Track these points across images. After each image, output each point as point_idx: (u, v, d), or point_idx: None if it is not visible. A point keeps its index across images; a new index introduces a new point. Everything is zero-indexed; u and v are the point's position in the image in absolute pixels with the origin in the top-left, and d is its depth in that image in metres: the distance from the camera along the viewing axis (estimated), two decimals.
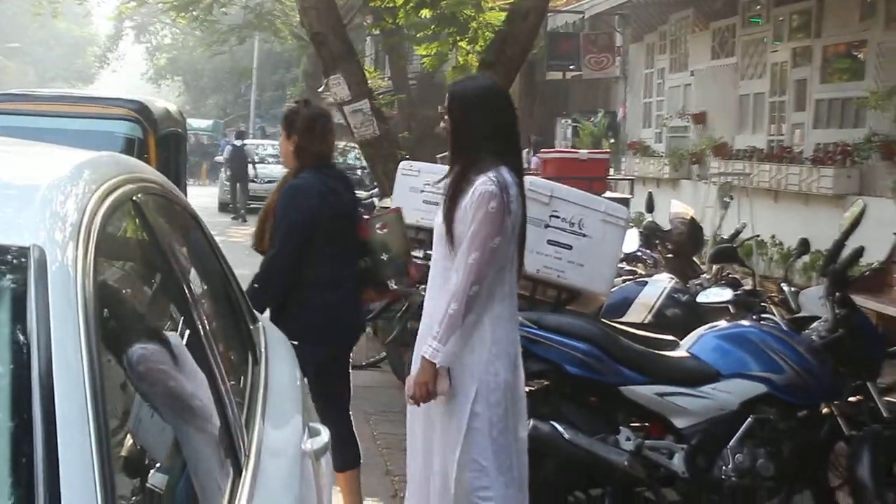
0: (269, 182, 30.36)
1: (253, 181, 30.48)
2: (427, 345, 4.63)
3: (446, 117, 4.97)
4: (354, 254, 6.27)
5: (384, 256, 6.38)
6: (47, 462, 1.52)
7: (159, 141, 9.93)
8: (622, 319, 7.05)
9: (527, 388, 5.46)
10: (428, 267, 8.93)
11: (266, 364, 3.50)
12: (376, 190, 14.24)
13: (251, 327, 3.72)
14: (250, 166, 31.15)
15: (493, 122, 4.93)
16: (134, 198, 2.39)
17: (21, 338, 1.67)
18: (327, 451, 3.42)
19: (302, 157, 6.17)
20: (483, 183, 4.63)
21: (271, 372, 3.45)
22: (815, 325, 6.42)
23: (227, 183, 30.86)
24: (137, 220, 2.42)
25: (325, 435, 3.39)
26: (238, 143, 31.27)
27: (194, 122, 32.72)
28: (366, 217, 6.80)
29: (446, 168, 6.44)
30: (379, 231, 6.43)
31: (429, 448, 4.96)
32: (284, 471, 2.77)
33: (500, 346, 4.82)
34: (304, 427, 3.35)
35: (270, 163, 32.83)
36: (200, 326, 2.49)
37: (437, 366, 4.61)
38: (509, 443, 4.87)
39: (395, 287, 6.75)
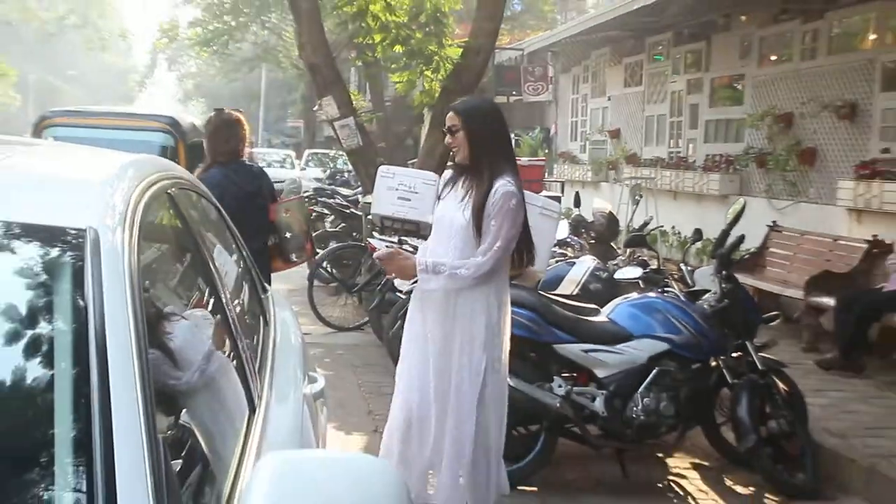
0: (275, 182, 30.25)
1: None
2: (428, 264, 4.65)
3: (457, 131, 4.78)
4: (259, 232, 6.39)
5: (288, 235, 6.72)
6: (101, 400, 1.51)
7: (187, 148, 9.89)
8: (555, 292, 7.05)
9: None
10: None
11: (274, 325, 3.46)
12: (360, 189, 14.18)
13: (262, 296, 3.69)
14: None
15: (505, 133, 4.97)
16: (168, 191, 2.37)
17: (80, 302, 1.65)
18: (323, 394, 3.39)
19: (211, 155, 6.59)
20: (503, 185, 4.59)
21: (278, 332, 3.42)
22: (706, 296, 6.47)
23: None
24: (171, 209, 2.39)
25: (321, 382, 3.36)
26: None
27: None
28: (274, 203, 6.97)
29: (416, 171, 6.45)
30: (284, 214, 6.79)
31: (413, 385, 4.87)
32: (290, 410, 2.74)
33: (502, 323, 4.84)
34: (305, 376, 3.32)
35: (275, 167, 32.49)
36: (223, 294, 2.46)
37: (417, 273, 4.65)
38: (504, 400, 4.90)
39: (295, 259, 6.98)
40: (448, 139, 4.79)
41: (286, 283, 12.43)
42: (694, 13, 14.75)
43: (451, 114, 4.85)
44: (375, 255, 4.77)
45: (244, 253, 3.58)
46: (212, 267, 2.47)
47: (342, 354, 9.42)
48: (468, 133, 4.74)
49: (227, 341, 2.38)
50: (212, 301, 2.44)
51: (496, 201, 4.55)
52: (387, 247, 4.72)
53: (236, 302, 2.72)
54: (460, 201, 4.77)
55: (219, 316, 2.41)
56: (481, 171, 4.70)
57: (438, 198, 5.14)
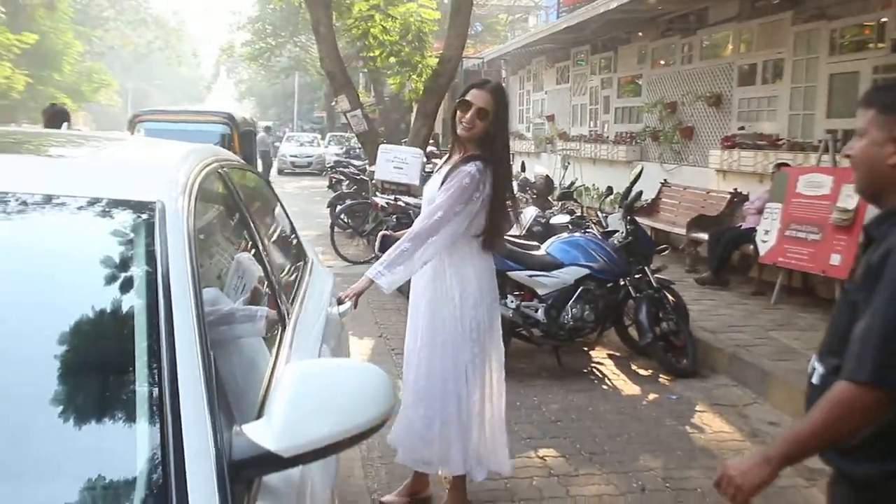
0: (305, 157, 30.00)
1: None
2: (375, 267, 3.39)
3: (485, 114, 3.43)
4: None
5: None
6: (167, 322, 1.50)
7: (241, 136, 9.84)
8: (508, 234, 7.02)
9: None
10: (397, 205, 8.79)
11: (310, 275, 3.32)
12: (367, 161, 14.09)
13: (305, 255, 3.57)
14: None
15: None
16: (219, 170, 2.31)
17: (155, 252, 1.64)
18: (348, 313, 3.29)
19: None
20: (472, 165, 3.42)
21: (313, 280, 3.28)
22: (615, 235, 6.44)
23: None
24: (222, 183, 2.33)
25: (348, 305, 3.28)
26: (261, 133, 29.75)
27: (260, 123, 32.24)
28: None
29: (406, 148, 6.12)
30: None
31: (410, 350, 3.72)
32: (314, 325, 2.69)
33: (482, 293, 3.61)
34: (332, 302, 3.27)
35: (305, 145, 32.19)
36: (261, 242, 2.41)
37: (372, 282, 3.37)
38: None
39: None
40: (469, 115, 3.42)
41: (315, 230, 12.40)
42: (605, 31, 14.62)
43: (481, 92, 3.45)
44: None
45: (288, 219, 3.49)
46: (253, 224, 2.41)
47: (355, 280, 9.35)
48: (495, 114, 3.45)
49: (265, 280, 2.33)
50: (252, 246, 2.39)
51: (455, 174, 3.42)
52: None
53: (275, 248, 2.65)
54: (436, 179, 3.62)
55: (258, 257, 2.36)
56: (479, 148, 3.47)
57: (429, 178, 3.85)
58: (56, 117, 8.38)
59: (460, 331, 3.56)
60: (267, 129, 32.39)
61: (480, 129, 3.46)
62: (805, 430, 1.82)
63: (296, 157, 30.53)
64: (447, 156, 3.75)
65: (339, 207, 11.82)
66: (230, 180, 2.39)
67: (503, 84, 22.22)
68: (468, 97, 3.47)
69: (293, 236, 3.60)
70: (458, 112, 3.49)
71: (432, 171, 3.98)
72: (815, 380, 1.99)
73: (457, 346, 3.56)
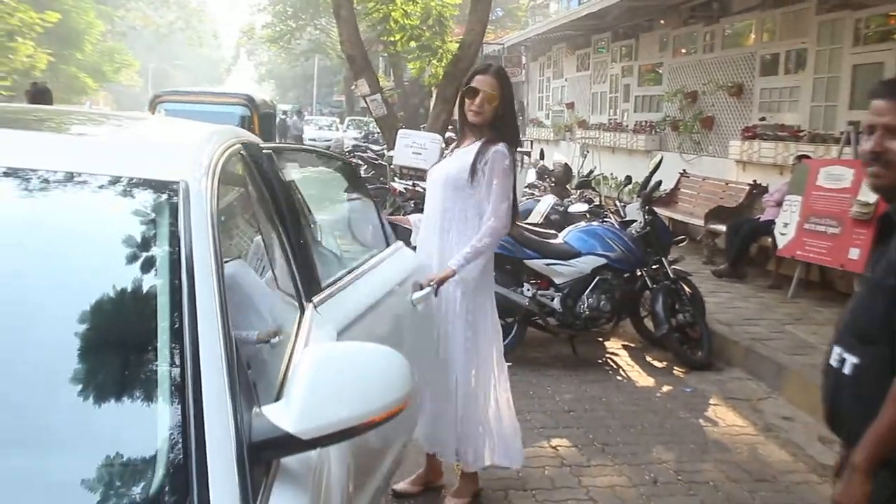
0: (324, 140, 29.99)
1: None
2: (458, 259, 3.46)
3: (493, 97, 3.52)
4: None
5: None
6: (190, 303, 1.50)
7: (260, 118, 9.85)
8: (526, 222, 7.01)
9: None
10: (415, 192, 8.78)
11: (374, 258, 3.14)
12: (385, 146, 14.07)
13: (388, 237, 3.46)
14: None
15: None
16: (241, 152, 2.30)
17: (179, 233, 1.63)
18: (426, 300, 3.27)
19: None
20: (500, 148, 3.48)
21: (375, 263, 3.09)
22: (633, 224, 6.42)
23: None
24: (243, 164, 2.32)
25: (427, 291, 3.29)
26: (283, 116, 29.50)
27: (281, 107, 32.25)
28: None
29: (425, 133, 6.03)
30: None
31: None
32: (353, 308, 2.59)
33: (482, 275, 3.69)
34: (414, 287, 3.27)
35: (324, 129, 32.29)
36: (287, 231, 2.39)
37: (457, 274, 3.49)
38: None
39: None
40: (477, 102, 3.51)
41: (332, 215, 12.41)
42: (627, 18, 14.51)
43: (486, 77, 3.54)
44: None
45: (304, 200, 3.46)
46: (273, 205, 2.40)
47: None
48: (501, 97, 3.54)
49: (281, 258, 2.32)
50: (275, 229, 2.38)
51: (491, 158, 3.47)
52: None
53: (300, 230, 2.61)
54: (451, 161, 3.65)
55: (280, 240, 2.35)
56: (493, 132, 3.55)
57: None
58: (39, 96, 8.41)
59: (457, 312, 3.59)
60: (299, 113, 32.48)
61: (490, 113, 3.56)
62: (882, 427, 1.83)
63: (314, 140, 30.55)
64: (455, 143, 3.82)
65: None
66: (253, 162, 2.38)
67: (523, 68, 22.19)
68: (474, 84, 3.56)
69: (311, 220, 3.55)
70: (467, 100, 3.58)
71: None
72: (847, 370, 1.96)
73: (452, 330, 3.59)
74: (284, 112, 29.10)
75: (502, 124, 3.57)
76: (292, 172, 2.91)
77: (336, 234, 3.60)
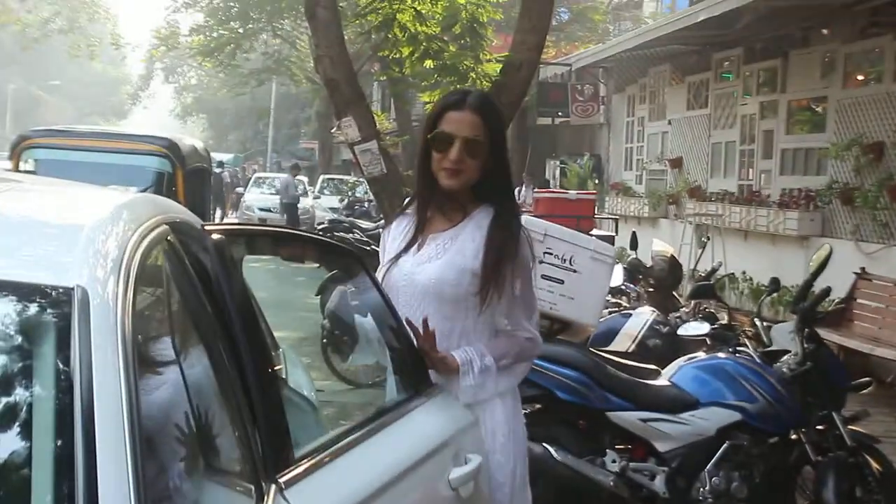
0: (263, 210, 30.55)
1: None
2: (474, 362, 3.42)
3: (476, 146, 3.51)
4: None
5: None
6: (87, 483, 1.53)
7: (186, 175, 9.94)
8: (608, 348, 7.00)
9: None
10: None
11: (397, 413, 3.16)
12: (382, 221, 14.22)
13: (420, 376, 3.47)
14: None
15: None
16: (168, 237, 2.33)
17: (71, 368, 1.65)
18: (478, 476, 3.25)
19: None
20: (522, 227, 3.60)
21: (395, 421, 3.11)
22: (785, 357, 6.37)
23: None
24: (170, 259, 2.35)
25: (474, 465, 3.23)
26: (218, 170, 31.15)
27: (217, 156, 32.61)
28: None
29: None
30: None
31: None
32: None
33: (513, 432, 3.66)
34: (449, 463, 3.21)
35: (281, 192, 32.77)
36: (232, 364, 2.39)
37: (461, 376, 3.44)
38: None
39: None
40: (453, 154, 3.47)
41: (295, 330, 12.45)
42: (768, 26, 14.71)
43: (463, 115, 3.53)
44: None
45: (255, 309, 3.47)
46: (217, 326, 2.41)
47: (359, 416, 9.31)
48: (490, 141, 3.53)
49: (226, 411, 2.32)
50: (216, 364, 2.38)
51: (508, 249, 3.49)
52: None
53: (252, 362, 2.62)
54: (435, 254, 3.58)
55: (220, 380, 2.35)
56: (479, 198, 3.61)
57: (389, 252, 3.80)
58: None
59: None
60: (220, 164, 33.03)
61: (474, 170, 3.53)
62: None
63: (268, 210, 30.97)
64: (411, 220, 3.73)
65: (334, 294, 11.86)
66: (188, 256, 2.40)
67: (601, 104, 22.48)
68: (445, 126, 3.52)
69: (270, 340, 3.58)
70: (435, 153, 3.53)
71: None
72: None
73: None
74: (221, 164, 29.52)
75: (491, 184, 3.58)
76: (250, 268, 2.90)
77: (316, 366, 3.60)
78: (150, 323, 2.17)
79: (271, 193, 32.28)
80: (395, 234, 3.76)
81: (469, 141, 3.46)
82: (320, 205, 30.56)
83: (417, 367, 3.38)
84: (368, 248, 14.05)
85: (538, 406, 5.83)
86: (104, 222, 2.10)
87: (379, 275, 3.64)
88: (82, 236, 2.01)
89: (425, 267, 3.55)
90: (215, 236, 2.52)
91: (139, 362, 1.80)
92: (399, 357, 3.40)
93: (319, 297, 13.01)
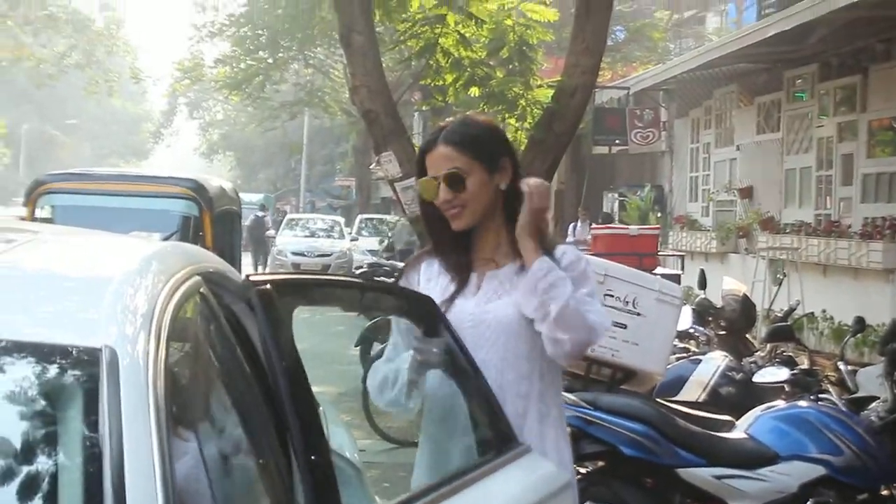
0: (320, 256, 30.51)
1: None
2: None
3: (458, 180, 3.49)
4: None
5: None
6: None
7: (214, 219, 9.96)
8: (676, 398, 6.98)
9: (583, 470, 5.38)
10: None
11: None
12: None
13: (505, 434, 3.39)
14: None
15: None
16: (201, 290, 2.35)
17: (99, 435, 1.66)
18: None
19: None
20: (567, 248, 3.63)
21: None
22: (873, 405, 6.33)
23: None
24: (204, 314, 2.37)
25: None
26: (260, 213, 31.81)
27: (246, 197, 32.80)
28: None
29: None
30: None
31: None
32: None
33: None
34: None
35: (320, 236, 32.77)
36: (275, 433, 2.39)
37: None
38: None
39: None
40: (443, 193, 3.49)
41: (334, 385, 12.48)
42: (845, 39, 14.67)
43: (438, 150, 3.56)
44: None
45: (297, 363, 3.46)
46: (259, 390, 2.42)
47: (405, 477, 9.31)
48: (480, 162, 3.52)
49: (271, 466, 2.33)
50: (256, 424, 2.40)
51: (569, 264, 3.50)
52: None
53: (300, 432, 2.58)
54: (502, 291, 3.55)
55: (262, 451, 2.37)
56: (504, 229, 3.61)
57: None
58: None
59: None
60: (262, 206, 33.27)
61: (473, 200, 3.51)
62: None
63: (302, 254, 31.04)
64: (450, 280, 3.67)
65: (377, 346, 11.90)
66: (224, 310, 2.43)
67: (662, 129, 22.42)
68: (428, 171, 3.55)
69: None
70: (426, 200, 3.57)
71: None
72: None
73: None
74: (263, 207, 29.81)
75: (510, 205, 3.56)
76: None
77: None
78: (183, 384, 2.18)
79: (305, 236, 32.40)
80: (430, 275, 3.73)
81: (448, 177, 3.47)
82: (358, 247, 30.60)
83: (496, 420, 3.32)
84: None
85: (601, 463, 5.83)
86: (132, 275, 2.12)
87: None
88: (109, 291, 2.02)
89: (496, 305, 3.53)
90: (260, 287, 2.44)
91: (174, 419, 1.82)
92: (476, 409, 3.36)
93: (359, 347, 13.02)
